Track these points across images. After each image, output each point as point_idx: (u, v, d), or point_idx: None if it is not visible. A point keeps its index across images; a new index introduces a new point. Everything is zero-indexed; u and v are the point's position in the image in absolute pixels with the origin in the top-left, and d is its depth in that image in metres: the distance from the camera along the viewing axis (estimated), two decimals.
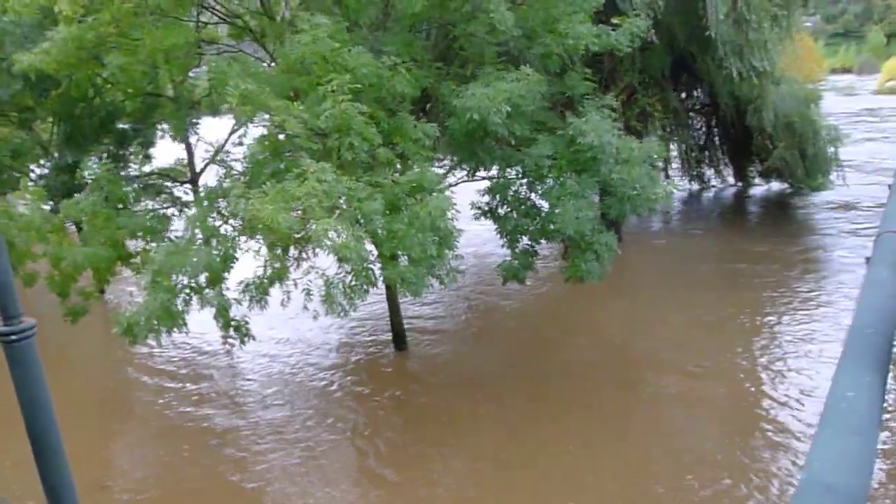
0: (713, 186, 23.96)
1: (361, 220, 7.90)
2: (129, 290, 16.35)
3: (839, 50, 76.30)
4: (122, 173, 13.42)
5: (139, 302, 8.37)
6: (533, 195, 10.01)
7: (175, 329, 8.46)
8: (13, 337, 2.45)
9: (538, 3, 9.92)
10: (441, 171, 10.91)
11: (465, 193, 10.48)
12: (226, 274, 8.85)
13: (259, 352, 12.46)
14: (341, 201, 7.94)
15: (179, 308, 8.42)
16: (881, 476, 7.68)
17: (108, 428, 10.70)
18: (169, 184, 13.81)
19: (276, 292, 9.06)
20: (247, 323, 9.21)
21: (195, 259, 8.26)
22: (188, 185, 14.20)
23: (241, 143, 12.65)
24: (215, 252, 8.57)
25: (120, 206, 10.57)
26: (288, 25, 10.21)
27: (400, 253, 8.31)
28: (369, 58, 8.86)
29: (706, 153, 23.41)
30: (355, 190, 7.90)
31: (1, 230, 9.33)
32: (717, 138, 22.86)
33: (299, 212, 7.51)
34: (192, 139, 14.59)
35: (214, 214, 9.34)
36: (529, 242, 10.00)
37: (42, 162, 15.95)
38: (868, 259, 5.03)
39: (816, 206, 20.39)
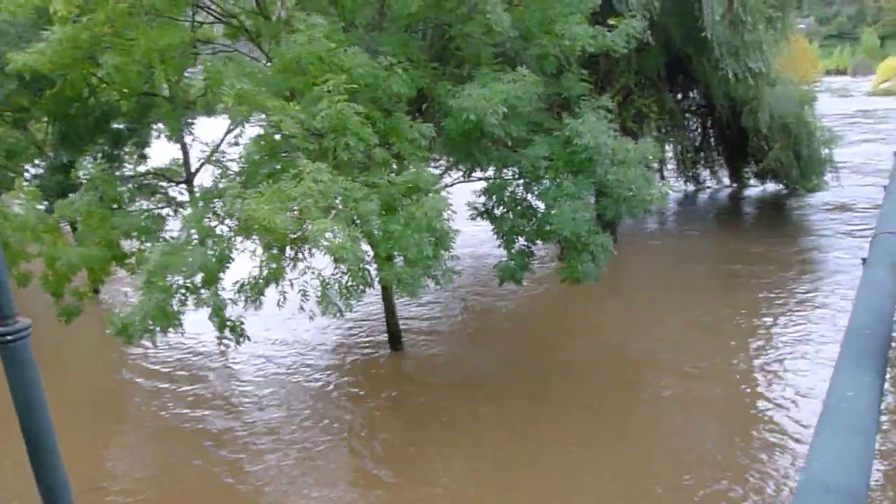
0: (708, 187, 24.04)
1: (357, 221, 7.89)
2: (123, 291, 16.33)
3: (833, 52, 76.77)
4: (117, 173, 13.38)
5: (134, 302, 8.35)
6: (529, 196, 10.01)
7: (171, 329, 8.43)
8: (9, 337, 2.44)
9: (534, 4, 9.91)
10: (437, 171, 10.90)
11: (462, 194, 10.48)
12: (221, 274, 8.83)
13: (255, 353, 12.43)
14: (337, 202, 7.93)
15: (175, 308, 8.39)
16: (878, 476, 7.70)
17: (102, 429, 10.66)
18: (164, 184, 13.75)
19: (272, 293, 9.04)
20: (242, 323, 9.18)
21: (190, 259, 8.24)
22: (183, 186, 14.16)
23: (236, 144, 12.61)
24: (210, 252, 8.55)
25: (115, 206, 10.52)
26: (284, 25, 10.20)
27: (396, 254, 8.30)
28: (365, 58, 8.84)
29: (702, 154, 23.49)
30: (351, 190, 7.89)
31: None
32: (712, 139, 22.93)
33: (295, 212, 7.49)
34: (188, 139, 14.55)
35: (210, 215, 9.32)
36: (526, 243, 10.00)
37: (37, 162, 15.88)
38: (864, 260, 5.06)
39: (812, 208, 20.46)
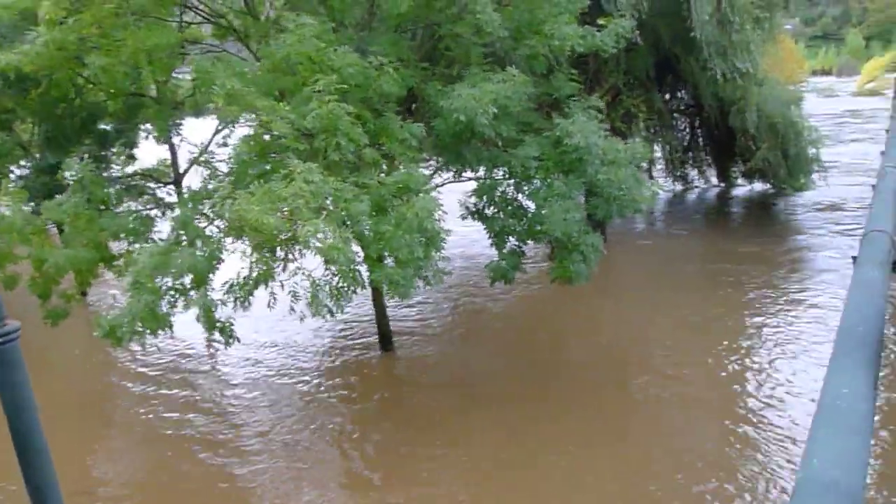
0: (696, 187, 24.15)
1: (348, 222, 7.86)
2: (111, 293, 16.19)
3: (819, 52, 77.43)
4: (105, 174, 13.27)
5: (122, 304, 8.27)
6: (520, 196, 10.01)
7: (161, 331, 8.37)
8: None
9: (524, 4, 9.92)
10: (427, 171, 10.89)
11: (453, 194, 10.46)
12: (211, 275, 8.77)
13: (244, 355, 12.36)
14: (328, 202, 7.89)
15: (164, 310, 8.33)
16: (874, 476, 7.74)
17: (90, 432, 10.56)
18: (152, 185, 13.67)
19: (261, 294, 8.98)
20: (231, 324, 9.11)
21: (180, 261, 8.18)
22: (171, 187, 14.07)
23: (225, 144, 12.55)
24: (200, 254, 8.49)
25: (102, 207, 10.43)
26: (272, 25, 10.15)
27: (387, 254, 8.27)
28: (355, 58, 8.81)
29: (690, 154, 23.59)
30: (342, 191, 7.85)
31: None
32: (700, 139, 23.04)
33: (286, 212, 7.45)
34: (176, 140, 14.46)
35: (199, 216, 9.25)
36: (517, 243, 10.00)
37: (23, 163, 15.74)
38: (855, 258, 5.08)
39: (801, 207, 20.59)
